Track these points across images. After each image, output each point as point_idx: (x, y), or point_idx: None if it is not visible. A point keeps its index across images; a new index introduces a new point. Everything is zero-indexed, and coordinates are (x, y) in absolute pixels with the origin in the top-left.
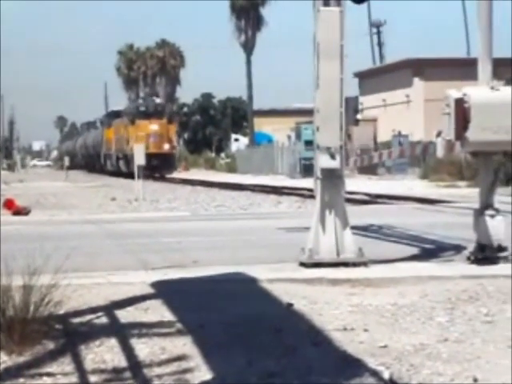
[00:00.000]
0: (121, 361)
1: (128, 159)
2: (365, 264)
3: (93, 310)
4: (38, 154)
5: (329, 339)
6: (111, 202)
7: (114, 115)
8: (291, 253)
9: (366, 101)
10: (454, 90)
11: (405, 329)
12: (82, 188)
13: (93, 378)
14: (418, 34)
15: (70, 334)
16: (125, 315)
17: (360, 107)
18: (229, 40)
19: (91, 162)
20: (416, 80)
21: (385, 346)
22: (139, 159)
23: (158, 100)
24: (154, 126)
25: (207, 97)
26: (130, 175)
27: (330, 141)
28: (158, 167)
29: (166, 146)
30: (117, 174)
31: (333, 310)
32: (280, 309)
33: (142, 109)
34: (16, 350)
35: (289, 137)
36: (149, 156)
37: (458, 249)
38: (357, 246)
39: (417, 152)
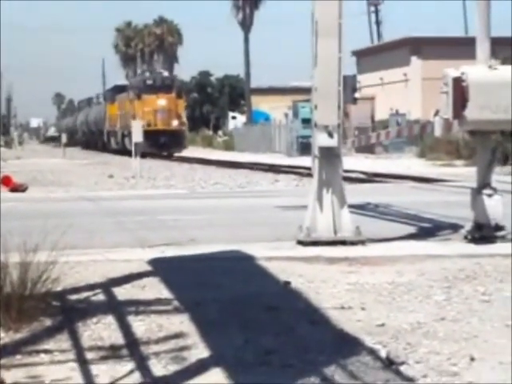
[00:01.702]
0: (118, 338)
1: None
2: (362, 242)
3: (90, 287)
4: (36, 131)
5: (326, 317)
6: (108, 179)
7: (118, 90)
8: (289, 231)
9: (363, 79)
10: (452, 69)
11: (402, 307)
12: (80, 165)
13: (90, 355)
14: (415, 12)
15: (67, 311)
16: (122, 292)
17: (358, 86)
18: (227, 18)
19: (93, 139)
20: (414, 59)
21: (382, 325)
22: (137, 136)
23: (165, 73)
24: (161, 101)
25: (205, 74)
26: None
27: (327, 119)
28: (167, 145)
29: (175, 123)
30: (121, 152)
31: (330, 288)
32: (277, 287)
33: (149, 82)
34: (13, 327)
35: (286, 115)
36: (156, 133)
37: (455, 228)
38: (354, 224)
39: (414, 132)
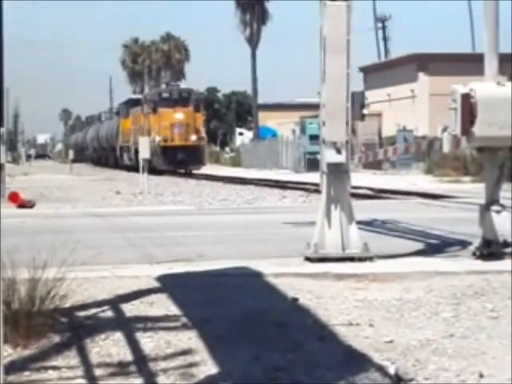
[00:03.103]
0: (126, 354)
1: (150, 152)
2: (370, 259)
3: (98, 304)
4: (43, 148)
5: (334, 334)
6: (116, 195)
7: (132, 103)
8: (297, 247)
9: (370, 95)
10: (460, 85)
11: (410, 324)
12: (87, 181)
13: (98, 372)
14: (423, 28)
15: (75, 328)
16: (130, 309)
17: (366, 102)
18: (234, 34)
19: (104, 155)
20: (421, 75)
21: (390, 341)
22: (144, 152)
23: (182, 85)
24: (178, 115)
25: (212, 91)
26: (151, 170)
27: (336, 135)
28: (184, 162)
29: (193, 138)
30: (135, 168)
31: (338, 304)
32: (285, 303)
33: (165, 95)
34: (21, 343)
35: (293, 131)
36: (173, 149)
37: (463, 244)
38: (362, 240)
39: (422, 148)
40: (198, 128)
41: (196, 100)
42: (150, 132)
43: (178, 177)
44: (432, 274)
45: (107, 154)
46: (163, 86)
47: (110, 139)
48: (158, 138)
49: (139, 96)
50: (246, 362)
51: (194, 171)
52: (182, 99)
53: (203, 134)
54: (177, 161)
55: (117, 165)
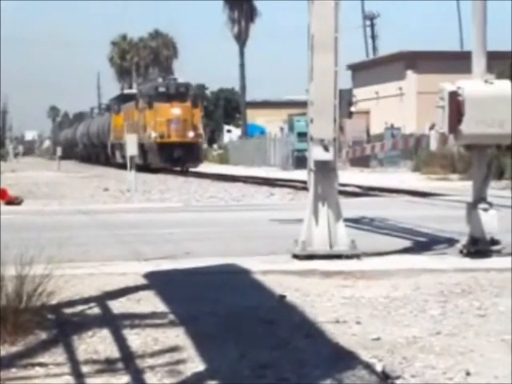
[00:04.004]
0: (113, 351)
1: (145, 149)
2: (358, 256)
3: (85, 301)
4: (31, 144)
5: (321, 331)
6: (103, 192)
7: (124, 99)
8: (284, 245)
9: (358, 93)
10: (448, 83)
11: (397, 321)
12: (75, 178)
13: (85, 369)
14: (411, 26)
15: (62, 325)
16: (117, 306)
17: (354, 100)
18: (222, 31)
19: (95, 152)
20: (409, 73)
21: (377, 339)
22: (132, 149)
23: (179, 79)
24: (175, 110)
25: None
26: (146, 168)
27: (323, 133)
28: (182, 159)
29: (191, 134)
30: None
31: (325, 302)
32: (273, 301)
33: (162, 89)
34: (8, 340)
35: (281, 128)
36: (170, 146)
37: (450, 242)
38: (350, 238)
39: (410, 145)
40: (195, 124)
41: (194, 95)
42: (145, 128)
43: (164, 174)
44: (419, 271)
45: (98, 151)
46: (159, 80)
47: (100, 136)
48: (153, 134)
49: (131, 91)
50: (233, 359)
51: (192, 169)
52: (180, 94)
53: (201, 130)
54: (173, 158)
55: (108, 162)
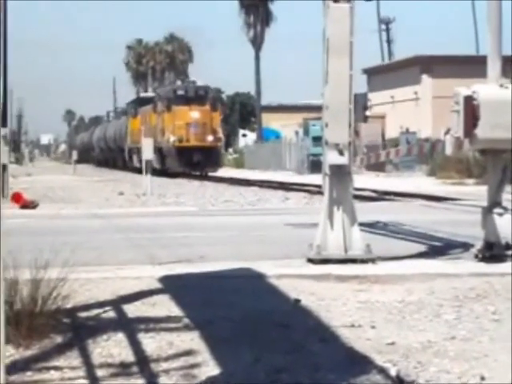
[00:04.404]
0: (128, 355)
1: (163, 154)
2: (373, 261)
3: (100, 305)
4: (46, 148)
5: (336, 336)
6: (119, 196)
7: (141, 102)
8: (299, 249)
9: (374, 97)
10: (463, 88)
11: (412, 326)
12: (90, 182)
13: (100, 372)
14: (426, 31)
15: (77, 328)
16: (132, 310)
17: (369, 104)
18: (238, 35)
19: (112, 156)
20: (424, 77)
21: (392, 343)
22: (147, 153)
23: (198, 82)
24: (194, 114)
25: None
26: (164, 173)
27: (338, 137)
28: (200, 164)
29: (210, 138)
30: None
31: (340, 306)
32: (287, 305)
33: (180, 92)
34: (23, 344)
35: (296, 133)
36: (189, 150)
37: (465, 246)
38: (365, 242)
39: (425, 150)
40: (214, 128)
41: (213, 98)
42: (163, 132)
43: (180, 178)
44: (434, 276)
45: (115, 156)
46: (178, 83)
47: (117, 140)
48: (172, 138)
49: (149, 94)
50: (248, 363)
51: (210, 174)
52: (199, 97)
53: (220, 134)
54: (192, 162)
55: (125, 167)
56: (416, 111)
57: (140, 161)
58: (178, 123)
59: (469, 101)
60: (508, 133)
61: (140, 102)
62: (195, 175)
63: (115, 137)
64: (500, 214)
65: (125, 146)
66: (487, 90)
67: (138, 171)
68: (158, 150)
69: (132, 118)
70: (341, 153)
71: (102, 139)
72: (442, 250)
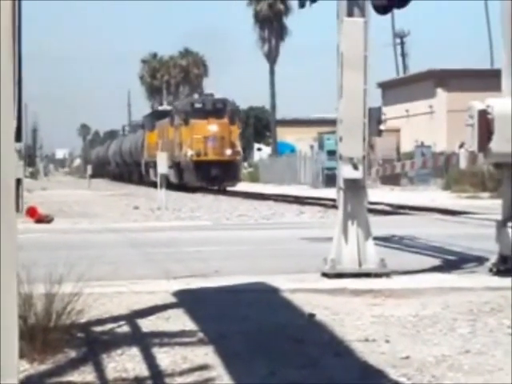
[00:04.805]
0: (142, 370)
1: (181, 168)
2: (387, 275)
3: (114, 319)
4: (61, 163)
5: (350, 350)
6: (134, 210)
7: (158, 116)
8: (313, 263)
9: (388, 111)
10: (477, 102)
11: (426, 340)
12: (105, 196)
13: None
14: (441, 44)
15: (91, 343)
16: (146, 324)
17: (383, 118)
18: (252, 49)
19: (128, 170)
20: (439, 91)
21: (406, 357)
22: (162, 167)
23: (216, 95)
24: (212, 127)
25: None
26: (182, 188)
27: (353, 151)
28: (219, 178)
29: (228, 152)
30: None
31: (355, 320)
32: (302, 319)
33: (198, 106)
34: (38, 358)
35: (311, 147)
36: (207, 164)
37: (480, 260)
38: (379, 256)
39: (440, 163)
40: (233, 141)
41: (231, 111)
42: (180, 145)
43: (195, 192)
44: (449, 290)
45: (131, 170)
46: (196, 96)
47: (134, 154)
48: (190, 152)
49: (166, 108)
50: (263, 377)
51: (228, 188)
52: (217, 110)
53: (239, 148)
54: (210, 177)
55: (141, 181)
56: (431, 125)
57: (156, 174)
58: (195, 137)
59: (483, 115)
60: None
61: (157, 116)
62: (212, 190)
63: (131, 151)
64: None
65: (141, 160)
66: (501, 103)
67: (155, 185)
68: (176, 165)
69: (149, 131)
70: (355, 167)
71: (118, 153)
72: (457, 264)
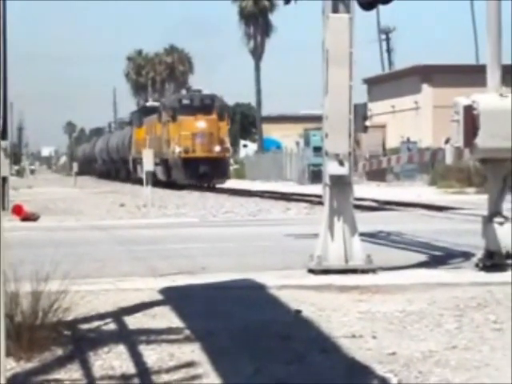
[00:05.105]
0: (129, 367)
1: (169, 165)
2: (373, 271)
3: (101, 317)
4: (47, 160)
5: (337, 346)
6: (120, 207)
7: (147, 112)
8: (300, 259)
9: (374, 107)
10: (462, 97)
11: (413, 336)
12: (91, 194)
13: None
14: (426, 40)
15: (78, 341)
16: (133, 321)
17: (369, 114)
18: (237, 46)
19: (115, 167)
20: (425, 86)
21: (393, 353)
22: (148, 165)
23: (204, 91)
24: (201, 124)
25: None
26: (170, 185)
27: (338, 147)
28: (208, 175)
29: (217, 149)
30: (153, 182)
31: (341, 316)
32: (288, 315)
33: (186, 102)
34: (24, 357)
35: (297, 143)
36: (195, 161)
37: (466, 256)
38: (365, 252)
39: (426, 158)
40: (222, 138)
41: (220, 107)
42: (168, 142)
43: (180, 190)
44: (435, 285)
45: (118, 167)
46: (184, 92)
47: (121, 150)
48: (178, 149)
49: (154, 104)
50: (249, 374)
51: (217, 185)
52: (205, 106)
53: (228, 144)
54: (199, 174)
55: (128, 178)
56: (416, 120)
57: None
58: (183, 133)
59: (469, 110)
60: (508, 142)
61: (145, 112)
62: (199, 187)
63: (118, 147)
64: (500, 223)
65: (129, 157)
66: (487, 99)
67: (142, 182)
68: (164, 162)
69: (137, 127)
70: (341, 163)
71: (105, 150)
72: (443, 260)
